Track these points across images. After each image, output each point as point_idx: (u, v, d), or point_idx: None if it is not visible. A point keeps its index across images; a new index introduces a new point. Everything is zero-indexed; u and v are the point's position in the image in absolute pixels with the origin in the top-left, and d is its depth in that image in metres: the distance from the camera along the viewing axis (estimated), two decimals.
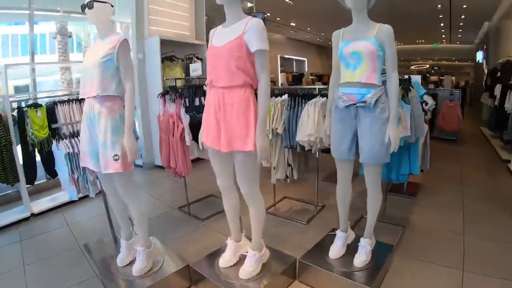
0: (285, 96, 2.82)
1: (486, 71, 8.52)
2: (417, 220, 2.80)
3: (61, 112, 3.22)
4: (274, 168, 3.02)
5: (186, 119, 2.81)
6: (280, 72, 12.62)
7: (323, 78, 12.37)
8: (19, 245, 2.50)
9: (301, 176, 3.10)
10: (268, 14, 6.73)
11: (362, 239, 2.01)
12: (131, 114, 1.70)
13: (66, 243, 2.53)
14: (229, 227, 2.02)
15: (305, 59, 14.80)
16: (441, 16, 7.29)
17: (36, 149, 3.21)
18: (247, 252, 1.92)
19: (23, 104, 3.22)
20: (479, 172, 4.27)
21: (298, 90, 3.16)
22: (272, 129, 2.83)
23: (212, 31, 1.77)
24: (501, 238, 2.45)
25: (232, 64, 1.57)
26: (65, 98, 3.35)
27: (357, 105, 1.76)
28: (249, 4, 7.24)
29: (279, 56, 12.90)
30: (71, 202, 3.26)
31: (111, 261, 2.03)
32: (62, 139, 2.23)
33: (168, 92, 2.94)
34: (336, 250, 2.03)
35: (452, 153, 5.09)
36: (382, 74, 1.77)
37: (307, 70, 14.74)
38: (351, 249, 2.05)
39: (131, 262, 1.95)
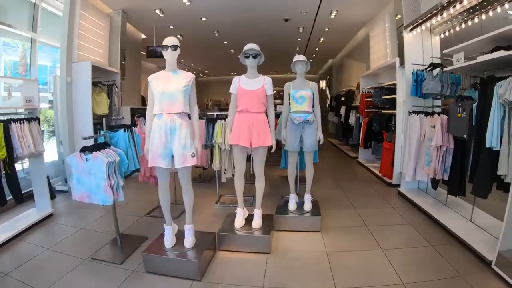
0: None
1: (329, 96, 11.78)
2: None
3: (15, 131, 3.05)
4: (225, 170, 3.99)
5: None
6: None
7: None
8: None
9: None
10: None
11: (306, 195, 3.34)
12: (197, 127, 2.44)
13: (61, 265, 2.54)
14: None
15: None
16: (298, 48, 9.59)
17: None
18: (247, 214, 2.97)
19: None
20: (340, 166, 6.53)
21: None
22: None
23: (236, 78, 2.81)
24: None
25: (260, 101, 2.71)
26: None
27: (303, 122, 3.11)
28: (143, 36, 7.77)
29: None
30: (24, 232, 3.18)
31: (154, 249, 2.46)
32: (99, 150, 2.46)
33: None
34: (293, 205, 3.30)
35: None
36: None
37: None
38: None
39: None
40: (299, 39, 8.56)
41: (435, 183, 3.66)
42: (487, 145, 2.42)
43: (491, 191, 2.56)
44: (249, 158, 3.49)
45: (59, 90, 4.58)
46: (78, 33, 4.67)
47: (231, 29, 7.48)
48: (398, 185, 4.47)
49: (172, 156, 2.34)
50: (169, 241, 2.49)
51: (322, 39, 8.39)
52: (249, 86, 2.73)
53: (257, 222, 2.84)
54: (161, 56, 7.20)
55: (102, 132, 2.77)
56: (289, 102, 3.24)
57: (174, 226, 2.60)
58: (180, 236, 2.60)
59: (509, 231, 2.21)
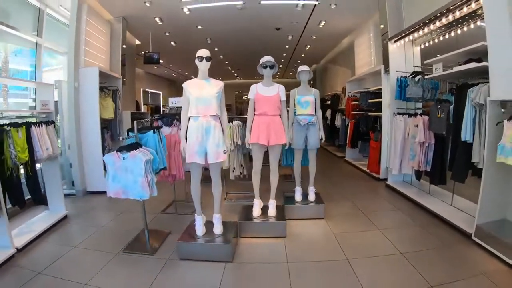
0: (238, 121, 4.23)
1: None
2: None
3: (35, 134, 3.19)
4: (234, 169, 4.36)
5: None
6: (143, 105, 13.10)
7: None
8: None
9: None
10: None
11: (309, 187, 3.77)
12: (226, 127, 2.82)
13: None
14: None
15: (160, 92, 15.78)
16: (284, 55, 10.14)
17: (15, 173, 2.96)
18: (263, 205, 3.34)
19: None
20: (329, 165, 7.01)
21: None
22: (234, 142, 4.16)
23: (254, 86, 3.22)
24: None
25: (276, 105, 3.16)
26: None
27: (308, 123, 3.54)
28: (137, 42, 7.98)
29: (141, 89, 13.38)
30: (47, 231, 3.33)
31: (186, 238, 2.77)
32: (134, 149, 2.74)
33: (164, 117, 3.77)
34: (299, 196, 3.72)
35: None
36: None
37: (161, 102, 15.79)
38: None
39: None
40: (287, 46, 9.07)
41: (418, 174, 4.21)
42: (462, 139, 2.97)
43: (467, 177, 3.09)
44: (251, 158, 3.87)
45: (67, 95, 4.74)
46: (84, 39, 4.87)
47: (224, 37, 7.86)
48: (385, 179, 5.00)
49: (205, 153, 2.68)
50: (200, 229, 2.82)
51: (308, 46, 8.94)
52: (266, 92, 3.15)
53: (272, 211, 3.24)
54: (158, 62, 7.58)
55: (131, 134, 3.04)
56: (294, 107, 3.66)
57: (203, 216, 2.92)
58: (206, 225, 2.91)
59: (484, 207, 2.73)
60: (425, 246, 2.79)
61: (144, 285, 2.29)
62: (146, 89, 13.96)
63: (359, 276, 2.34)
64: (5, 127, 2.90)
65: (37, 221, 3.51)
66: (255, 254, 2.77)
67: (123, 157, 2.72)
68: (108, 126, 5.26)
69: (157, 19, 6.23)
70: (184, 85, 2.76)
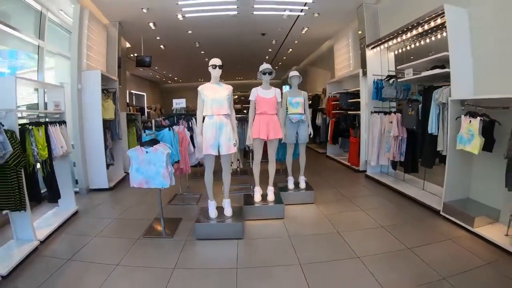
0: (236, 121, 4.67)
1: None
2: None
3: (52, 132, 3.43)
4: (231, 163, 4.79)
5: (188, 135, 4.14)
6: (128, 106, 13.14)
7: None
8: None
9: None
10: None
11: (300, 176, 4.26)
12: (235, 124, 3.25)
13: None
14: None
15: (145, 93, 15.84)
16: (267, 57, 10.64)
17: (37, 170, 3.23)
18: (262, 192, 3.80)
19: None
20: (312, 160, 7.54)
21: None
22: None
23: (255, 89, 3.70)
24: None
25: (274, 106, 3.65)
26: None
27: (299, 121, 4.05)
28: (128, 45, 8.19)
29: (127, 91, 13.43)
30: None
31: (202, 220, 3.18)
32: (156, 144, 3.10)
33: (171, 116, 4.14)
34: (291, 185, 4.23)
35: None
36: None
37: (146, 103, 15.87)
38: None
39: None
40: (270, 50, 9.59)
41: (394, 164, 4.84)
42: (429, 132, 3.60)
43: (434, 163, 3.72)
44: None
45: (70, 97, 4.96)
46: (86, 43, 5.13)
47: (211, 41, 8.25)
48: (365, 171, 5.62)
49: (218, 146, 3.10)
50: (213, 212, 3.24)
51: (291, 49, 9.51)
52: (265, 95, 3.63)
53: (271, 197, 3.72)
54: (149, 65, 8.00)
55: (148, 131, 3.40)
56: (286, 107, 4.15)
57: (214, 202, 3.33)
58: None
59: (449, 187, 3.34)
60: (401, 220, 3.38)
61: (171, 261, 2.66)
62: (131, 91, 14.04)
63: (350, 243, 2.87)
64: (27, 126, 3.12)
65: (50, 217, 3.72)
66: (261, 232, 3.24)
67: (146, 151, 3.08)
68: (108, 127, 5.52)
69: (151, 24, 6.53)
70: (199, 88, 3.17)
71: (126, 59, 8.53)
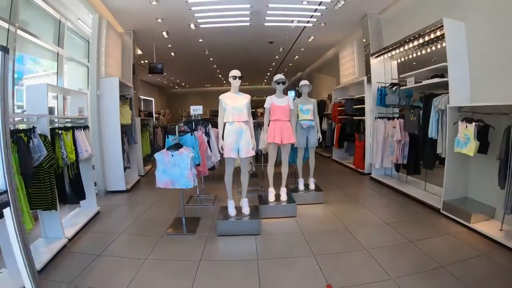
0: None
1: None
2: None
3: (79, 137, 3.68)
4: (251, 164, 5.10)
5: (205, 140, 4.43)
6: (139, 111, 13.48)
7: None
8: None
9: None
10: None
11: (310, 178, 4.55)
12: (252, 130, 3.53)
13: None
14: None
15: (153, 99, 16.20)
16: (273, 64, 11.03)
17: (65, 173, 3.44)
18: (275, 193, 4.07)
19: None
20: (319, 163, 7.76)
21: None
22: None
23: (269, 98, 3.97)
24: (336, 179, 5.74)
25: (287, 113, 3.92)
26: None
27: (309, 126, 4.34)
28: (139, 52, 8.54)
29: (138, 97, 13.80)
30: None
31: (221, 216, 3.47)
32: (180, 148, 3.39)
33: (189, 121, 4.44)
34: (302, 186, 4.51)
35: None
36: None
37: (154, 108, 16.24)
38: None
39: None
40: (276, 57, 9.92)
41: (397, 167, 5.12)
42: (429, 136, 3.90)
43: (434, 165, 4.01)
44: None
45: (89, 103, 5.26)
46: (104, 51, 5.46)
47: (221, 48, 8.59)
48: (369, 173, 5.89)
49: (238, 150, 3.40)
50: (232, 211, 3.53)
51: (297, 56, 9.84)
52: (279, 103, 3.92)
53: (284, 197, 4.01)
54: (161, 72, 8.41)
55: (171, 137, 3.69)
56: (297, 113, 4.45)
57: (233, 201, 3.62)
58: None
59: (448, 186, 3.62)
60: (404, 218, 3.67)
61: (197, 254, 2.93)
62: (140, 96, 14.40)
63: (357, 237, 3.16)
64: (57, 130, 3.34)
65: (74, 217, 3.92)
66: (276, 228, 3.52)
67: (172, 154, 3.37)
68: (125, 131, 5.83)
69: (164, 32, 6.86)
70: (221, 97, 3.47)
71: (137, 66, 8.90)
